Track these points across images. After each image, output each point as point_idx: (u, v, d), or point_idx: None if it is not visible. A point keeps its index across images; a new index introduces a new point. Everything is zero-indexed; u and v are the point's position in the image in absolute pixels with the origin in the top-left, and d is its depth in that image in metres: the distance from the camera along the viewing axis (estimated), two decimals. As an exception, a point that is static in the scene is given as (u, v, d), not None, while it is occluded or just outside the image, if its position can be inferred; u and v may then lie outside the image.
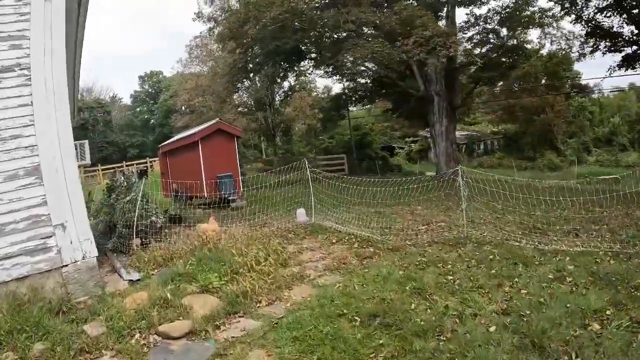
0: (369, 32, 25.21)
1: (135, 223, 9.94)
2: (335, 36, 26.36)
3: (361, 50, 21.55)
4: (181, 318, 5.99)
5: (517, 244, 8.77)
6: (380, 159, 41.85)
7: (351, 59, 21.41)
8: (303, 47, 29.13)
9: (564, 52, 30.43)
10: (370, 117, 55.66)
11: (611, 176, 31.71)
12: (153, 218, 10.61)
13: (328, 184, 13.17)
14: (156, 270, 8.11)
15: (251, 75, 36.48)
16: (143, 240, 9.99)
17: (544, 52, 34.61)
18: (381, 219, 12.23)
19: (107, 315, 6.03)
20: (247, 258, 7.40)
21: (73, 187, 6.86)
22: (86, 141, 30.72)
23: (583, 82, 53.95)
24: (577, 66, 53.76)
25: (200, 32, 44.85)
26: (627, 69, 24.95)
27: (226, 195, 15.84)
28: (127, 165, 41.92)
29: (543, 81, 47.66)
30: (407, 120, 39.46)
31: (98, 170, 39.37)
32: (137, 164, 43.85)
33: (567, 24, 56.70)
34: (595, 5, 24.33)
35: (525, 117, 52.74)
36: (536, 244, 8.70)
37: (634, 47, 24.31)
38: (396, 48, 21.80)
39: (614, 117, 67.61)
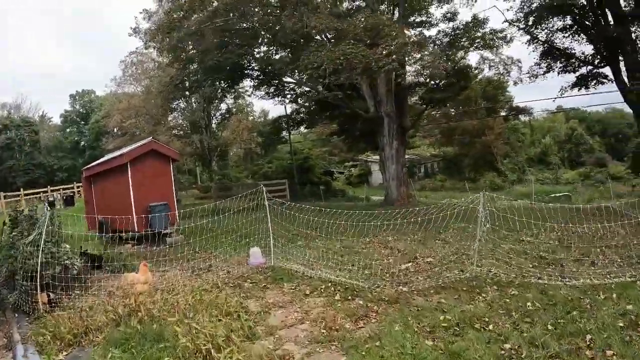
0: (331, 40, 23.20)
1: (39, 273, 7.33)
2: (294, 44, 24.27)
3: (329, 54, 18.95)
4: None
5: (543, 281, 7.50)
6: (323, 184, 40.10)
7: (315, 64, 18.85)
8: (246, 64, 26.99)
9: (501, 77, 29.89)
10: (307, 141, 54.29)
11: (562, 193, 31.94)
12: (67, 262, 8.06)
13: (282, 213, 10.94)
14: (64, 354, 5.60)
15: (188, 94, 33.81)
16: (52, 295, 7.46)
17: (482, 76, 34.28)
18: (354, 256, 10.12)
19: None
20: (198, 339, 4.96)
21: None
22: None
23: (521, 105, 54.65)
24: (512, 90, 55.02)
25: (136, 48, 41.79)
26: (580, 89, 24.80)
27: (160, 230, 13.23)
28: (52, 190, 38.45)
29: (483, 104, 47.98)
30: (355, 143, 37.95)
31: (21, 195, 35.24)
32: (63, 189, 40.38)
33: (506, 49, 57.80)
34: (556, 26, 24.20)
35: (466, 139, 52.80)
36: (564, 280, 7.55)
37: (589, 67, 24.11)
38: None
39: (545, 138, 70.15)
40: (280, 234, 10.65)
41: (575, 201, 27.55)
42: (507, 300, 6.69)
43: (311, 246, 11.53)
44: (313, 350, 5.35)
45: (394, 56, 18.84)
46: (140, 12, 40.70)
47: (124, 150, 16.31)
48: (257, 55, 26.82)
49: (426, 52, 22.31)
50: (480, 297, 6.91)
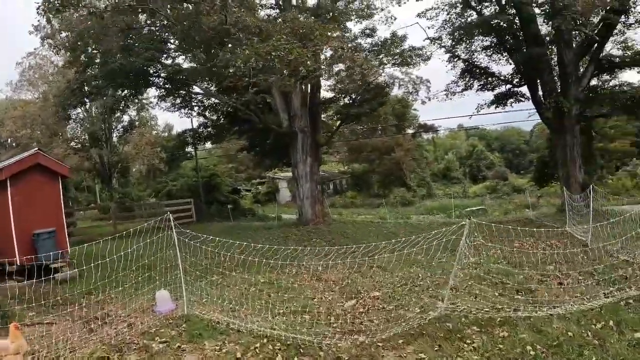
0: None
1: None
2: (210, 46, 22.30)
3: (256, 49, 16.88)
4: None
5: (524, 314, 6.62)
6: (231, 202, 38.18)
7: (239, 61, 16.93)
8: (152, 70, 24.70)
9: (410, 95, 30.01)
10: (213, 158, 52.23)
11: (478, 207, 32.53)
12: None
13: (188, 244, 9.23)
14: None
15: (87, 101, 30.56)
16: None
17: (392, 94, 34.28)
18: (283, 294, 8.62)
19: None
20: None
21: None
22: None
23: (428, 122, 56.22)
24: (419, 108, 56.69)
25: (35, 49, 37.57)
26: (497, 107, 25.20)
27: (47, 262, 10.95)
28: None
29: (392, 122, 48.15)
30: (265, 159, 36.52)
31: None
32: None
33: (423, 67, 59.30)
34: (478, 46, 24.61)
35: (375, 156, 53.18)
36: (546, 309, 6.75)
37: (509, 86, 24.66)
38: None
39: (448, 155, 73.25)
40: (190, 267, 8.91)
41: (491, 214, 28.23)
42: (501, 346, 5.66)
43: (228, 282, 9.82)
44: None
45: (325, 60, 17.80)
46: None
47: (3, 163, 13.66)
48: (166, 61, 24.72)
49: (360, 58, 21.29)
50: (466, 345, 5.75)
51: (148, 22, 21.66)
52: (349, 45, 22.67)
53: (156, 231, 8.30)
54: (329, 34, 18.21)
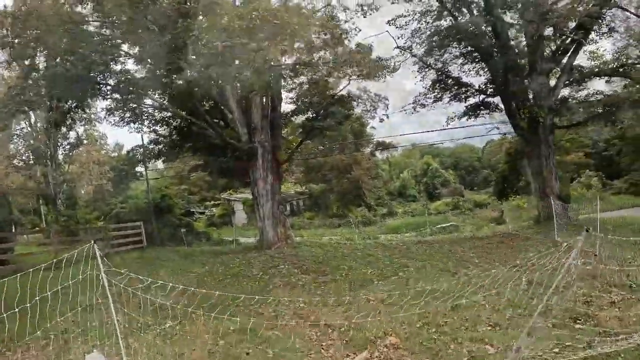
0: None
1: None
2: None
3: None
4: None
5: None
6: (184, 225, 35.87)
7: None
8: (100, 78, 22.24)
9: (368, 113, 28.98)
10: (164, 178, 49.68)
11: (449, 224, 31.67)
12: None
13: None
14: None
15: (27, 109, 27.66)
16: None
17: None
18: (266, 351, 6.53)
19: None
20: None
21: None
22: None
23: (386, 140, 55.58)
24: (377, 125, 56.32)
25: None
26: (469, 118, 24.77)
27: None
28: None
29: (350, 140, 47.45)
30: (221, 177, 34.53)
31: None
32: None
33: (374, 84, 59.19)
34: (452, 54, 24.12)
35: (333, 175, 52.16)
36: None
37: (482, 96, 24.25)
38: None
39: (403, 173, 73.47)
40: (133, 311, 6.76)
41: (463, 230, 27.52)
42: None
43: (188, 330, 7.69)
44: None
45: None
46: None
47: None
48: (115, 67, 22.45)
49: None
50: None
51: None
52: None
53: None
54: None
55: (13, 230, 30.74)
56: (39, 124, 34.29)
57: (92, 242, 5.80)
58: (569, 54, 22.16)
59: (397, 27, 24.11)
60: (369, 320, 6.77)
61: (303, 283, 11.37)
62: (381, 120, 27.79)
